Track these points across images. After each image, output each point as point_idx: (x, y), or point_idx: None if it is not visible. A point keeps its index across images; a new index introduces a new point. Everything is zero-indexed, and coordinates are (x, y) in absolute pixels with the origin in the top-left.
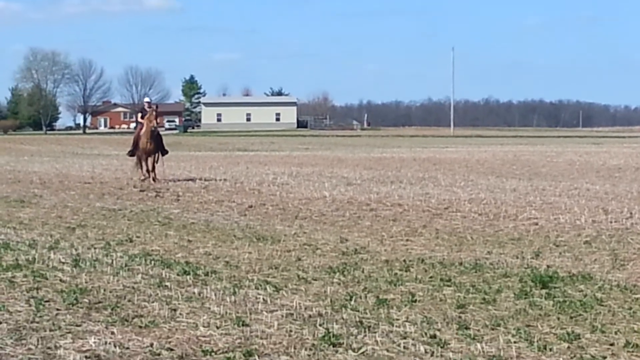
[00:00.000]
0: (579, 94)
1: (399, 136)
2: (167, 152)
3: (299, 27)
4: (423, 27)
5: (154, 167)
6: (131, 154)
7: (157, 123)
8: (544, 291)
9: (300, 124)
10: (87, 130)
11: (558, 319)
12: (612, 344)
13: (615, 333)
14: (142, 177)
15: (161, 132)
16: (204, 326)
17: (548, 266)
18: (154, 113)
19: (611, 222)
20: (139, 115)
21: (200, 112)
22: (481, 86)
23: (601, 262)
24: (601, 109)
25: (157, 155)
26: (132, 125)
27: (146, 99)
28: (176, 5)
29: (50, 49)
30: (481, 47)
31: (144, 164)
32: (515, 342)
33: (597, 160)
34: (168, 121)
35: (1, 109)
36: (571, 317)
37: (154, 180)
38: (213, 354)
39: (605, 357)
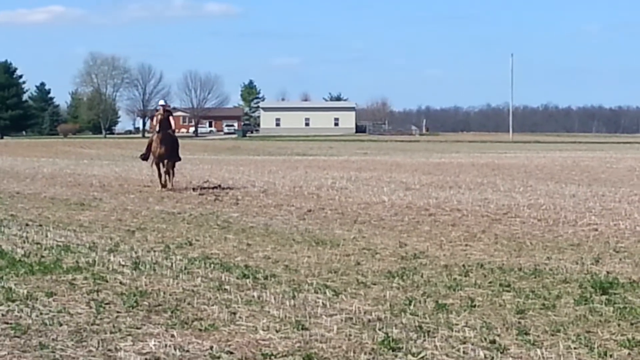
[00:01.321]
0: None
1: (457, 141)
2: (179, 159)
3: (357, 32)
4: (482, 33)
5: (167, 173)
6: (144, 157)
7: (173, 131)
8: (604, 297)
9: (359, 129)
10: (147, 134)
11: (618, 325)
12: None
13: None
14: (162, 186)
15: (220, 137)
16: (263, 330)
17: (608, 272)
18: (159, 116)
19: None
20: (155, 119)
21: (259, 117)
22: (540, 92)
23: None
24: None
25: (170, 161)
26: (191, 129)
27: (161, 102)
28: (236, 10)
29: (110, 53)
30: (540, 53)
31: (159, 168)
32: (575, 349)
33: None
34: (227, 125)
35: (61, 112)
36: (632, 324)
37: (163, 186)
38: (273, 357)
39: None
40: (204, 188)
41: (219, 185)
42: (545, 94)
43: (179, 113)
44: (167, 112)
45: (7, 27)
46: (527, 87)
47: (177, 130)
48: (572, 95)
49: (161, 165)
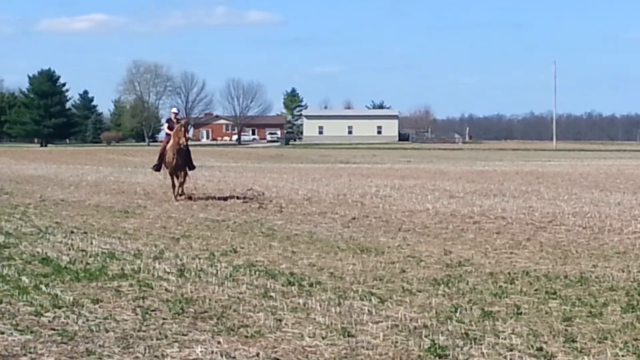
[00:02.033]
0: None
1: (501, 149)
2: (194, 167)
3: (400, 40)
4: (524, 40)
5: (181, 183)
6: (157, 168)
7: (186, 140)
8: None
9: (402, 137)
10: (190, 142)
11: None
12: None
13: None
14: (174, 196)
15: (263, 145)
16: (309, 336)
17: None
18: (183, 129)
19: None
20: (166, 126)
21: (301, 125)
22: (584, 100)
23: None
24: None
25: (185, 171)
26: (234, 137)
27: (173, 110)
28: (278, 18)
29: (153, 61)
30: (584, 60)
31: (174, 179)
32: (622, 356)
33: None
34: (270, 133)
35: (104, 120)
36: None
37: (179, 195)
38: None
39: None
40: (247, 198)
41: (263, 193)
42: (589, 101)
43: (222, 121)
44: (178, 121)
45: (50, 36)
46: (571, 95)
47: (184, 140)
48: (616, 103)
49: (175, 176)
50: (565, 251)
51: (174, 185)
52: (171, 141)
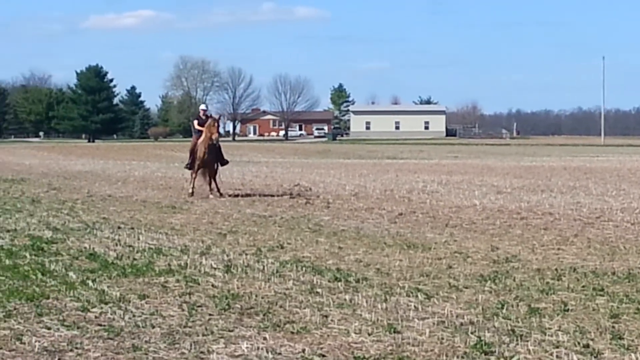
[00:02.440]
0: None
1: (548, 145)
2: (227, 162)
3: (447, 36)
4: (572, 36)
5: (213, 179)
6: (190, 166)
7: (219, 135)
8: None
9: (449, 133)
10: (237, 138)
11: None
12: None
13: None
14: (190, 191)
15: (310, 140)
16: (355, 333)
17: None
18: (216, 124)
19: None
20: (195, 122)
21: (349, 120)
22: (632, 95)
23: None
24: None
25: (216, 166)
26: (281, 132)
27: (202, 106)
28: (326, 14)
29: (200, 57)
30: (632, 55)
31: (198, 176)
32: None
33: None
34: (317, 129)
35: (152, 116)
36: None
37: (211, 192)
38: None
39: None
40: (294, 194)
41: (310, 189)
42: (638, 97)
43: (269, 116)
44: (207, 117)
45: (98, 32)
46: (619, 90)
47: (217, 135)
48: None
49: (206, 171)
50: (613, 247)
51: (194, 179)
52: (202, 136)
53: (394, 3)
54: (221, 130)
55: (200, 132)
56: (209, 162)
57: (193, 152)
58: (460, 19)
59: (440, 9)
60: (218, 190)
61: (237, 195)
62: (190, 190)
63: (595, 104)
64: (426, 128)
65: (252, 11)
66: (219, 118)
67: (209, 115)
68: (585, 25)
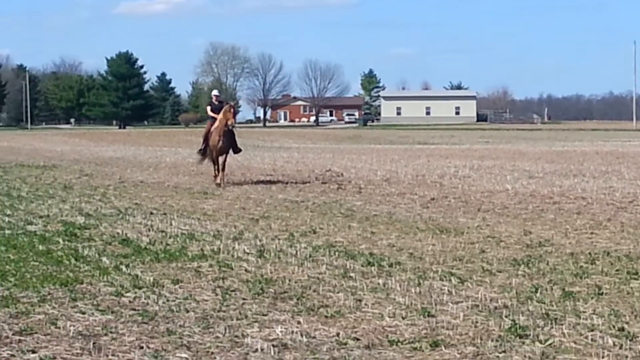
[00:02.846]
0: None
1: (580, 129)
2: (240, 150)
3: (477, 21)
4: (602, 21)
5: (223, 168)
6: (202, 152)
7: (235, 122)
8: None
9: (480, 118)
10: (267, 124)
11: None
12: None
13: None
14: (217, 182)
15: (341, 126)
16: (389, 316)
17: None
18: (232, 110)
19: None
20: (209, 108)
21: (379, 106)
22: None
23: None
24: None
25: (226, 155)
26: (312, 118)
27: (214, 92)
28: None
29: (230, 43)
30: None
31: (217, 162)
32: None
33: None
34: (347, 114)
35: (182, 102)
36: None
37: (218, 184)
38: (399, 344)
39: None
40: (325, 179)
41: (342, 174)
42: None
43: (299, 102)
44: (220, 102)
45: (128, 18)
46: None
47: (232, 121)
48: None
49: (219, 159)
50: None
51: (217, 168)
52: (217, 123)
53: None
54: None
55: (214, 118)
56: (223, 149)
57: (206, 139)
58: (491, 3)
59: None
60: (222, 180)
61: (270, 175)
62: (218, 181)
63: (627, 88)
64: (457, 113)
65: None
66: (235, 103)
67: (221, 100)
68: (616, 9)
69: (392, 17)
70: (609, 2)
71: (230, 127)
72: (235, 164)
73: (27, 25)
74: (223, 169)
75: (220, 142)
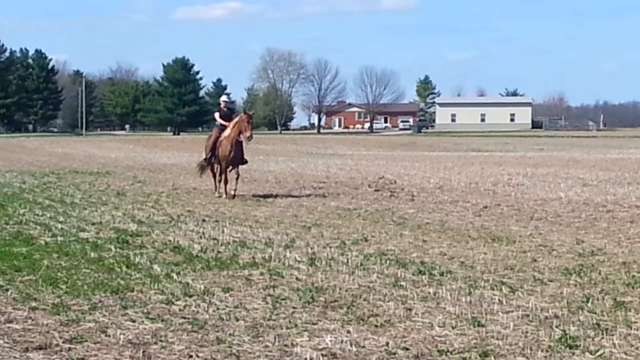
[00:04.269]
0: None
1: (635, 137)
2: (246, 161)
3: (534, 26)
4: None
5: (236, 180)
6: (208, 162)
7: (252, 135)
8: None
9: (535, 125)
10: (322, 130)
11: None
12: None
13: None
14: (218, 194)
15: (395, 133)
16: (439, 326)
17: None
18: (249, 122)
19: None
20: (217, 115)
21: (434, 113)
22: None
23: None
24: None
25: (236, 166)
26: (366, 125)
27: (223, 97)
28: (412, 5)
29: (286, 49)
30: None
31: (217, 174)
32: None
33: None
34: (402, 121)
35: (237, 108)
36: None
37: (231, 195)
38: (449, 354)
39: None
40: (378, 186)
41: (395, 181)
42: None
43: (354, 109)
44: (229, 109)
45: (185, 24)
46: None
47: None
48: None
49: (227, 170)
50: None
51: (221, 180)
52: (228, 131)
53: None
54: (306, 123)
55: (223, 126)
56: (233, 160)
57: (214, 148)
58: (547, 8)
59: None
60: (226, 190)
61: (323, 182)
62: (219, 194)
63: None
64: (512, 120)
65: (340, 1)
66: (253, 113)
67: (230, 107)
68: None
69: (449, 23)
70: None
71: (248, 141)
72: (288, 171)
73: (85, 30)
74: (232, 180)
75: (232, 153)
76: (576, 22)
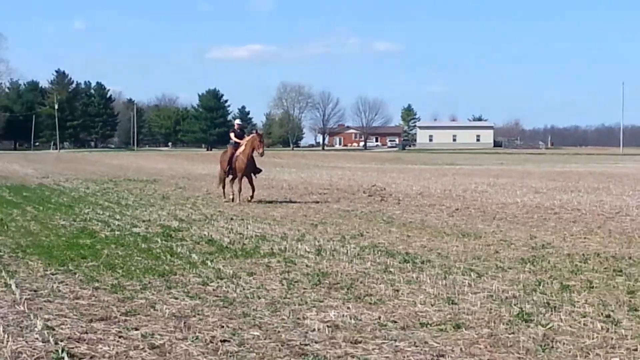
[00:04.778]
0: None
1: (576, 154)
2: (260, 170)
3: (496, 65)
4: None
5: (252, 187)
6: (227, 173)
7: (263, 151)
8: None
9: (496, 144)
10: (325, 147)
11: None
12: None
13: None
14: (227, 200)
15: (384, 150)
16: (420, 304)
17: None
18: (261, 140)
19: None
20: (232, 134)
21: (415, 134)
22: None
23: None
24: None
25: (251, 176)
26: (361, 143)
27: (237, 121)
28: (399, 48)
29: (297, 82)
30: None
31: (235, 182)
32: None
33: None
34: (390, 140)
35: (258, 130)
36: None
37: (247, 200)
38: (428, 326)
39: None
40: (371, 193)
41: (384, 189)
42: None
43: (351, 130)
44: (241, 130)
45: (217, 62)
46: (636, 109)
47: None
48: None
49: (243, 179)
50: (630, 237)
51: (238, 189)
52: (243, 148)
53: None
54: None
55: (237, 143)
56: (247, 171)
57: (230, 162)
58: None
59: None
60: (240, 197)
61: (327, 189)
62: (229, 198)
63: (616, 121)
64: (477, 140)
65: (341, 44)
66: (263, 133)
67: (242, 127)
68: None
69: (428, 62)
70: (605, 49)
71: (260, 156)
72: (299, 180)
73: (136, 66)
74: (251, 186)
75: (247, 166)
76: (529, 62)
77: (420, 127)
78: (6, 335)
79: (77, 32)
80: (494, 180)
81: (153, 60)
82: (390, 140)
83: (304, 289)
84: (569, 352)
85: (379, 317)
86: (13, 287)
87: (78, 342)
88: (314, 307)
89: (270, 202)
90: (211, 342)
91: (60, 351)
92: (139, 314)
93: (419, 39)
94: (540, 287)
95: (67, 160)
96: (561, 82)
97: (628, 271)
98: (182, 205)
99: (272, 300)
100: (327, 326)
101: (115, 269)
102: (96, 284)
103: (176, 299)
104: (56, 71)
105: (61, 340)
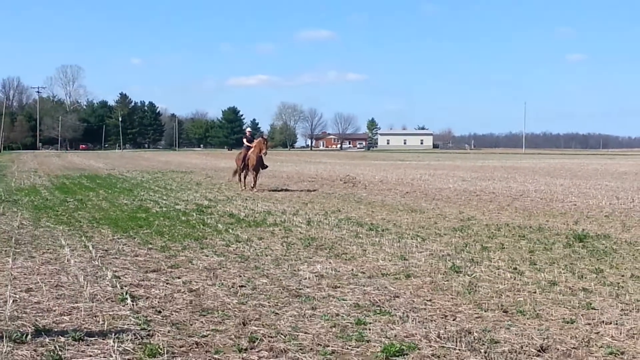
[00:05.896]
0: (601, 127)
1: (492, 153)
2: (267, 166)
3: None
4: (508, 85)
5: (256, 180)
6: (241, 169)
7: (267, 151)
8: (580, 244)
9: (434, 146)
10: (312, 148)
11: (589, 260)
12: (622, 275)
13: (625, 269)
14: (242, 188)
15: (355, 150)
16: (382, 260)
17: (583, 229)
18: (265, 142)
19: (621, 204)
20: (245, 140)
21: (377, 139)
22: (543, 123)
23: (615, 227)
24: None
25: (259, 170)
26: (339, 145)
27: (248, 128)
28: (365, 78)
29: (293, 102)
30: (548, 97)
31: (246, 176)
32: (563, 273)
33: (610, 168)
34: (359, 144)
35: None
36: (597, 259)
37: (252, 188)
38: (388, 275)
39: (618, 283)
40: (345, 181)
41: (355, 178)
42: (545, 123)
43: (331, 136)
44: (252, 135)
45: (235, 87)
46: (536, 120)
47: (265, 150)
48: (563, 123)
49: (250, 172)
50: (530, 212)
51: (240, 179)
52: (253, 149)
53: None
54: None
55: (249, 146)
56: (257, 166)
57: (244, 160)
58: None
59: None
60: (254, 186)
61: (314, 178)
62: (243, 187)
63: (520, 129)
64: (421, 143)
65: (323, 75)
66: (268, 137)
67: (252, 134)
68: (509, 71)
69: (386, 87)
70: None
71: (264, 154)
72: (294, 171)
73: (177, 90)
74: (256, 180)
75: (256, 163)
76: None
77: (381, 134)
78: (85, 282)
79: (135, 65)
80: (433, 172)
81: (189, 85)
82: (359, 144)
83: (298, 249)
84: (487, 294)
85: (352, 269)
86: (90, 247)
87: (137, 287)
88: (305, 262)
89: (273, 188)
90: (232, 287)
91: (124, 294)
92: (180, 267)
93: (379, 72)
94: (467, 248)
95: (127, 157)
96: (482, 101)
97: (529, 237)
98: (210, 189)
99: (276, 257)
100: (315, 275)
101: (163, 235)
102: (150, 246)
103: (207, 256)
104: (120, 93)
105: (125, 286)
